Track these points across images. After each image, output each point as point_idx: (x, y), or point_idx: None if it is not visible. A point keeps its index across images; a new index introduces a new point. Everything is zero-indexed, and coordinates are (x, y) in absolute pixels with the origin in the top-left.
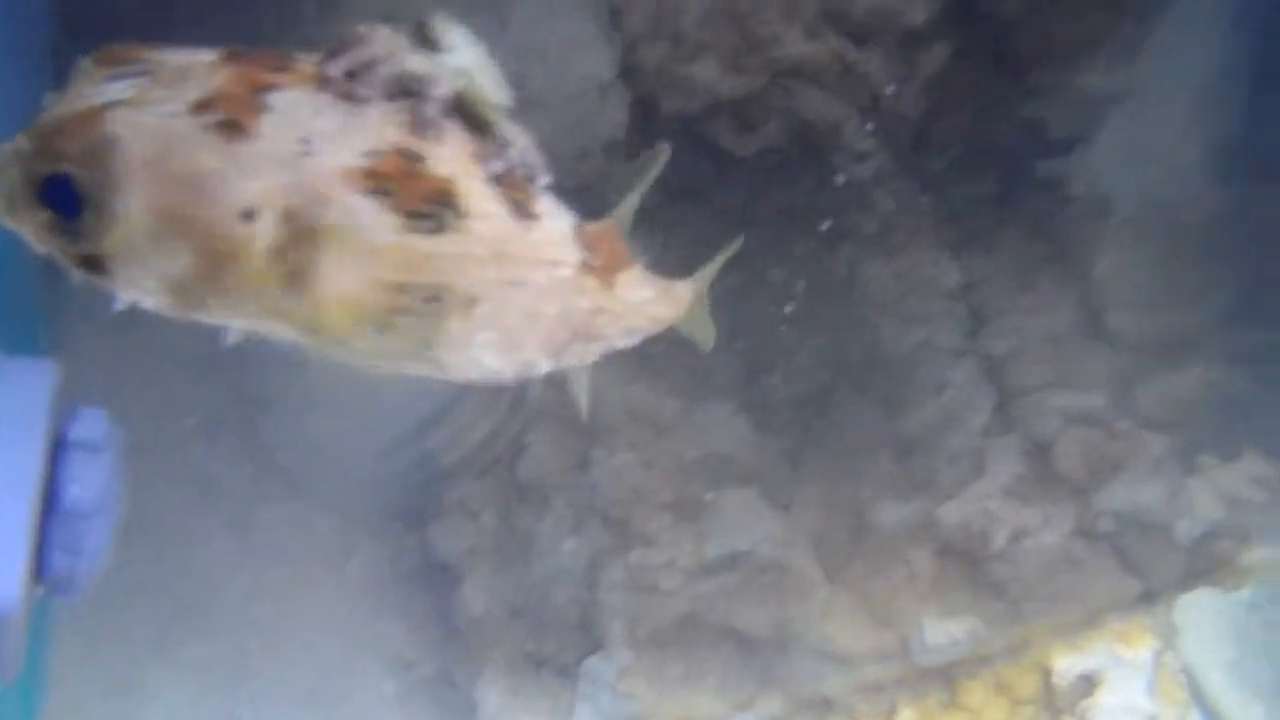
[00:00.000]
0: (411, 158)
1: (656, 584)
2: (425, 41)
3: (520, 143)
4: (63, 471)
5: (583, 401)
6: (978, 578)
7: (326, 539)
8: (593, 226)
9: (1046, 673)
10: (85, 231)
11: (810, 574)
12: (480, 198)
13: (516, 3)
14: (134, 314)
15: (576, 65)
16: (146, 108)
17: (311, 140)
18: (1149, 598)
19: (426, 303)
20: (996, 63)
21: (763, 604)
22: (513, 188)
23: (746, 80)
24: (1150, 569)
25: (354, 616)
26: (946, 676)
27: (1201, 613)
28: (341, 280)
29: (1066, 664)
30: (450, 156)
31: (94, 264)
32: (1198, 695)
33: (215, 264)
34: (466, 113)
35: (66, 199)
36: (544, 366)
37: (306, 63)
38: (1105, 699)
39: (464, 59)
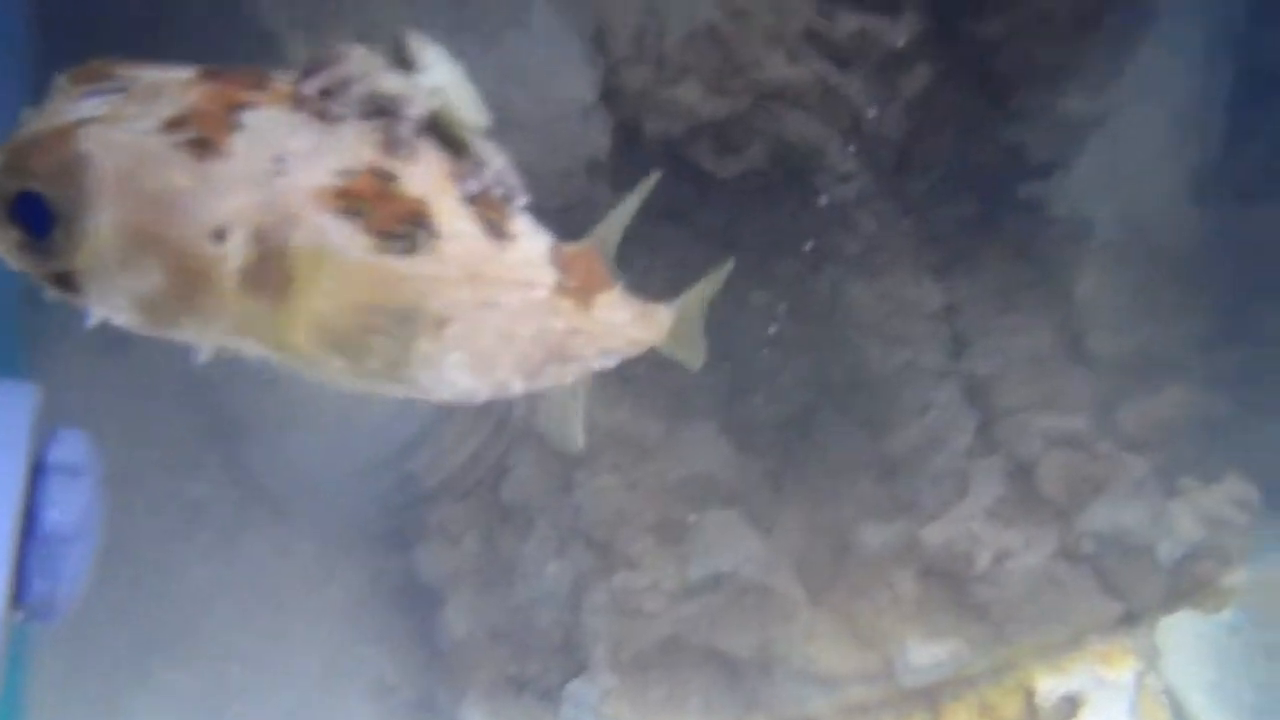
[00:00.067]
0: (385, 177)
1: (640, 607)
2: (402, 61)
3: (497, 162)
4: (42, 495)
5: (577, 432)
6: (961, 599)
7: (308, 562)
8: (570, 247)
9: (1029, 694)
10: (56, 249)
11: (793, 595)
12: (454, 218)
13: (501, 25)
14: (115, 336)
15: (560, 87)
16: (119, 125)
17: (285, 159)
18: (1131, 619)
19: (397, 323)
20: (978, 85)
21: (746, 626)
22: (488, 208)
23: (729, 103)
24: (1132, 591)
25: (335, 639)
26: (930, 698)
27: (1183, 635)
28: (311, 300)
29: (1049, 685)
30: (424, 176)
31: (66, 281)
32: (1180, 717)
33: (185, 282)
34: (442, 132)
35: (38, 216)
36: (518, 387)
37: (283, 81)
38: None
39: (440, 78)
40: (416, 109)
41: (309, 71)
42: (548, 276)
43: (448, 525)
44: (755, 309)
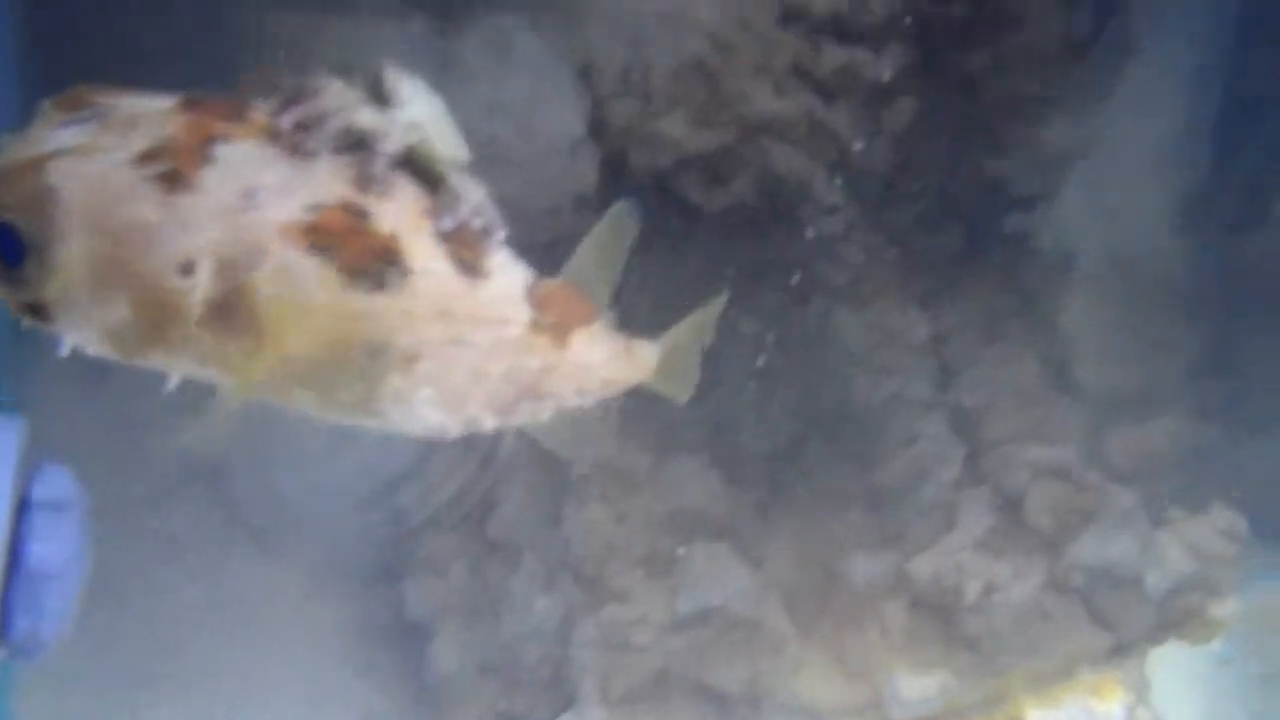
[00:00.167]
0: (356, 213)
1: (629, 640)
2: (380, 94)
3: (474, 197)
4: (27, 530)
5: (590, 451)
6: (950, 631)
7: (294, 596)
8: (548, 283)
9: None
10: (28, 279)
11: (782, 629)
12: (426, 255)
13: (487, 60)
14: (101, 369)
15: (546, 122)
16: (92, 157)
17: (256, 194)
18: (1120, 650)
19: (365, 358)
20: (963, 118)
21: (734, 660)
22: (462, 245)
23: (716, 136)
24: (1121, 622)
25: (322, 674)
26: None
27: (1173, 666)
28: (277, 334)
29: (1039, 717)
30: (397, 212)
31: (38, 311)
32: None
33: (153, 314)
34: (418, 168)
35: (11, 246)
36: (490, 424)
37: (260, 112)
38: None
39: (418, 112)
40: (392, 144)
41: (286, 104)
42: (522, 313)
43: (435, 559)
44: (743, 340)
